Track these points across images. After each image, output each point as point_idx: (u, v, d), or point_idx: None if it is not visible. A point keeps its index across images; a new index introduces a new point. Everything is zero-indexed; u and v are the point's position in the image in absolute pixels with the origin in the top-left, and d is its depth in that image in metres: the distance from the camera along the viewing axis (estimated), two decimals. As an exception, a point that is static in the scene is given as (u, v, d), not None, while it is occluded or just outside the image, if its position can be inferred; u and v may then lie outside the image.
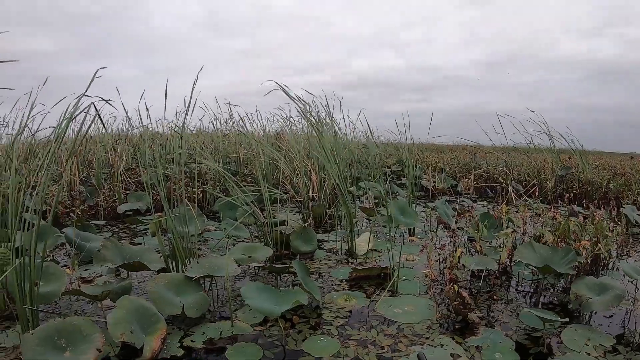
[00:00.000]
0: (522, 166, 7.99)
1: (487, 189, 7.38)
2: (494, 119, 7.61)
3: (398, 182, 7.55)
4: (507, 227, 3.13)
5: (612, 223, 3.24)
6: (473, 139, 6.91)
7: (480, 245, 3.05)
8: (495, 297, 2.65)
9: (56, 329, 1.63)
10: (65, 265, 3.10)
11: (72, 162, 5.42)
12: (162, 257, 2.69)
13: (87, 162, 6.28)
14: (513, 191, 6.79)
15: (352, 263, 3.23)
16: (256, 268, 3.02)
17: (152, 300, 2.02)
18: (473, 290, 2.75)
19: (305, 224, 3.47)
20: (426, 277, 2.69)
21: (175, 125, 6.08)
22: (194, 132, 7.90)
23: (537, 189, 6.49)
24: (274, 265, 2.73)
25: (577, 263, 2.57)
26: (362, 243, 3.39)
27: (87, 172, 5.94)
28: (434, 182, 6.67)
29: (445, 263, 3.07)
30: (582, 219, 3.24)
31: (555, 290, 2.78)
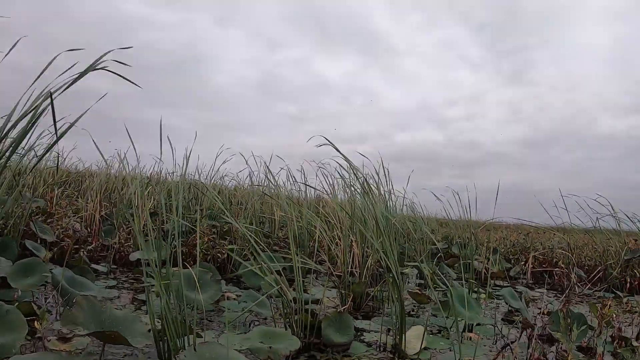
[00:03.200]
0: (584, 249, 7.08)
1: (545, 274, 6.50)
2: (538, 197, 6.95)
3: (445, 262, 6.78)
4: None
5: None
6: (514, 216, 6.23)
7: (570, 354, 2.30)
8: None
9: None
10: (48, 311, 2.57)
11: (97, 196, 5.03)
12: (151, 331, 2.08)
13: (113, 199, 5.86)
14: (575, 278, 5.92)
15: (401, 366, 2.48)
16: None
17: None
18: None
19: (342, 308, 2.76)
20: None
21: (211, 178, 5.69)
22: (232, 187, 7.46)
23: (603, 275, 5.65)
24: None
25: None
26: (414, 339, 2.65)
27: (111, 210, 5.49)
28: (487, 264, 5.84)
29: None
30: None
31: None
